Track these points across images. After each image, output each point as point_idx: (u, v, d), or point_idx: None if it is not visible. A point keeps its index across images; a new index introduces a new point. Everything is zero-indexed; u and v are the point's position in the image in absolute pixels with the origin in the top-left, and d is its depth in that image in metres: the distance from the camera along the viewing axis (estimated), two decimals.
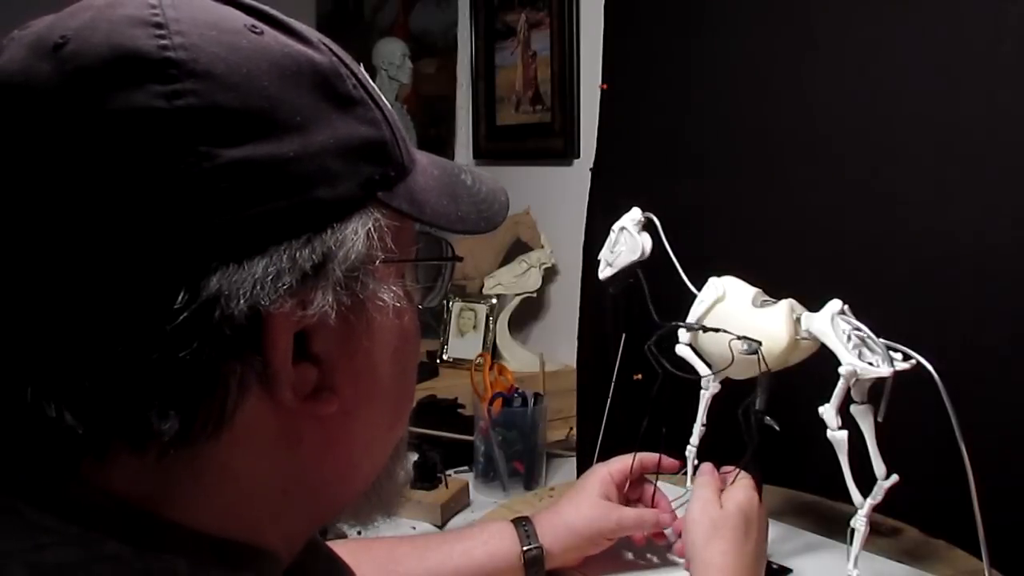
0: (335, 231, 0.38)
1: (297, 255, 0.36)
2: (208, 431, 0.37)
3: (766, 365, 0.82)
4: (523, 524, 0.88)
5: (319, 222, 0.37)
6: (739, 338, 0.83)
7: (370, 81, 0.43)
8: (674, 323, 0.89)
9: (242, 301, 0.35)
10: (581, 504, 0.89)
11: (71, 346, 0.35)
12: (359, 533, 1.15)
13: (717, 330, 0.85)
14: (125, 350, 0.34)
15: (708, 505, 0.81)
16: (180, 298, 0.34)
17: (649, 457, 0.94)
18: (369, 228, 0.39)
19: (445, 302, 1.85)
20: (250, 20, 0.38)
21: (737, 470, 0.85)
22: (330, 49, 0.41)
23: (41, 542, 0.35)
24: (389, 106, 0.43)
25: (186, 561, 0.37)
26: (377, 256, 0.40)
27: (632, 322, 1.00)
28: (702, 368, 0.90)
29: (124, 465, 0.37)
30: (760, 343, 0.82)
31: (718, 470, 0.87)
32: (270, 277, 0.35)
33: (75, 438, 0.35)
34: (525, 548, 0.85)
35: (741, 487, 0.83)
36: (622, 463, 0.93)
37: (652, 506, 0.93)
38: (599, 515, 0.88)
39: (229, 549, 0.39)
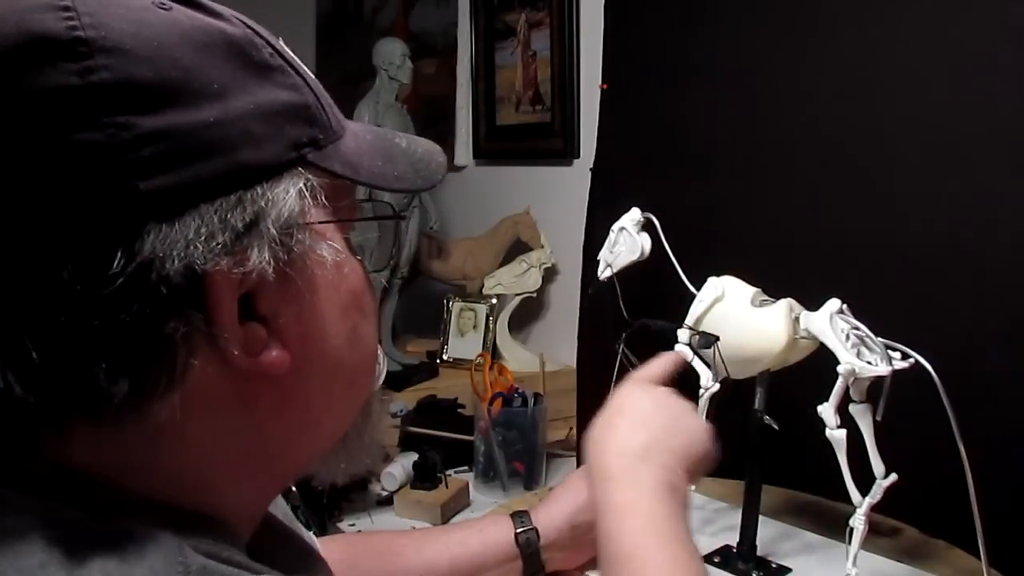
0: (265, 191, 0.39)
1: (228, 215, 0.38)
2: (159, 392, 0.38)
3: (723, 360, 0.82)
4: (519, 514, 0.89)
5: (247, 182, 0.39)
6: (695, 332, 0.83)
7: (289, 52, 0.44)
8: (642, 320, 0.90)
9: (176, 261, 0.36)
10: (566, 486, 0.91)
11: (14, 320, 0.36)
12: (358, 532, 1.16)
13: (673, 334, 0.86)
14: (67, 319, 0.35)
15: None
16: (116, 263, 0.35)
17: None
18: (301, 187, 0.41)
19: (445, 302, 1.85)
20: None
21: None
22: (243, 22, 0.42)
23: (1, 511, 0.37)
24: (312, 75, 0.45)
25: (141, 526, 0.38)
26: (311, 214, 0.42)
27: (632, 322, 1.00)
28: (703, 369, 0.90)
29: (83, 437, 0.39)
30: (718, 337, 0.82)
31: None
32: (203, 237, 0.37)
33: (31, 411, 0.37)
34: (519, 530, 0.87)
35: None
36: None
37: None
38: (580, 482, 0.89)
39: (183, 518, 0.40)
